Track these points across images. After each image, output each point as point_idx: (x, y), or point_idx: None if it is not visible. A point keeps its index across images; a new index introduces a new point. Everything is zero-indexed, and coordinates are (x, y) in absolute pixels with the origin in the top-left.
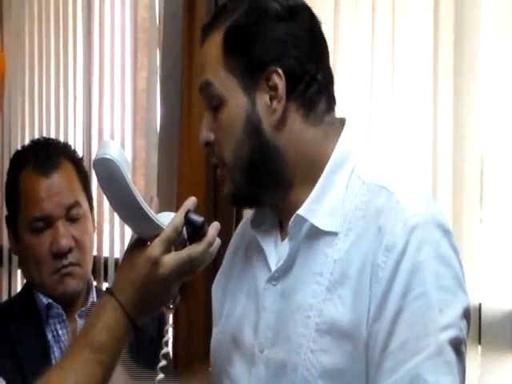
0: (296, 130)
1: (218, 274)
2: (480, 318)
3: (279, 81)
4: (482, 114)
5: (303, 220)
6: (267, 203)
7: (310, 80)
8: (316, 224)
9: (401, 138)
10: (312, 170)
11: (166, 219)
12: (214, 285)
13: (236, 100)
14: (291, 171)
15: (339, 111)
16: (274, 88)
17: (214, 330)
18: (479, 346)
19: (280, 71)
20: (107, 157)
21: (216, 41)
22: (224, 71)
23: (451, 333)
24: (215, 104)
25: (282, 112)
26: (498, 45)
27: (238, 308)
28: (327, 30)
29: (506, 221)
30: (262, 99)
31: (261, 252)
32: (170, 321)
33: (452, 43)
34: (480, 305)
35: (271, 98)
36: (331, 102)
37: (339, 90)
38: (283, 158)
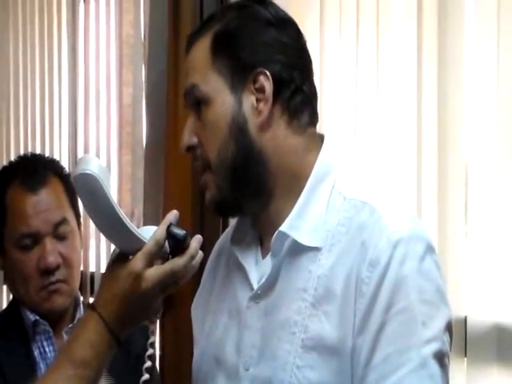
0: (280, 135)
1: (197, 293)
2: (466, 330)
3: (266, 83)
4: (467, 126)
5: (285, 236)
6: (249, 212)
7: (296, 88)
8: (299, 240)
9: (385, 151)
10: (293, 181)
11: (148, 233)
12: (193, 304)
13: (222, 99)
14: (273, 180)
15: (324, 125)
16: (261, 90)
17: (195, 350)
18: (465, 359)
19: (268, 73)
20: (87, 172)
21: (204, 44)
22: (211, 72)
23: (435, 346)
24: (200, 104)
25: (267, 114)
26: (482, 56)
27: (220, 327)
28: (312, 45)
29: (491, 234)
30: (249, 100)
31: (241, 270)
32: (155, 335)
33: (436, 56)
34: (466, 317)
35: (257, 100)
36: (314, 117)
37: (324, 104)
38: (266, 163)
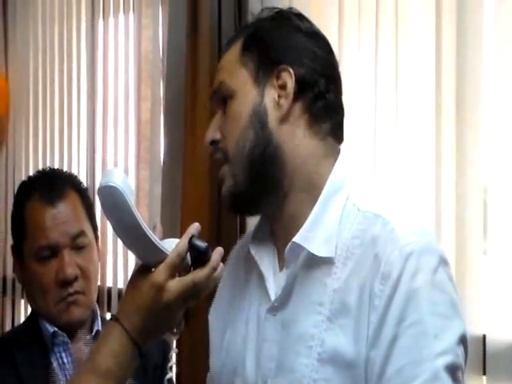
0: (298, 135)
1: (214, 302)
2: (485, 348)
3: (289, 80)
4: (485, 145)
5: (300, 248)
6: (264, 211)
7: (319, 93)
8: (312, 251)
9: (404, 169)
10: (308, 185)
11: (170, 245)
12: (210, 312)
13: (245, 91)
14: (288, 180)
15: (342, 143)
16: (284, 86)
17: (212, 360)
18: (484, 377)
19: (291, 71)
20: (111, 184)
21: (236, 46)
22: (238, 66)
23: (447, 359)
24: (225, 98)
25: (287, 109)
26: (501, 77)
27: (239, 339)
28: None
29: (510, 252)
30: (271, 94)
31: (261, 279)
32: (174, 346)
33: (454, 75)
34: (484, 336)
35: (279, 96)
36: (337, 130)
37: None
38: (282, 160)
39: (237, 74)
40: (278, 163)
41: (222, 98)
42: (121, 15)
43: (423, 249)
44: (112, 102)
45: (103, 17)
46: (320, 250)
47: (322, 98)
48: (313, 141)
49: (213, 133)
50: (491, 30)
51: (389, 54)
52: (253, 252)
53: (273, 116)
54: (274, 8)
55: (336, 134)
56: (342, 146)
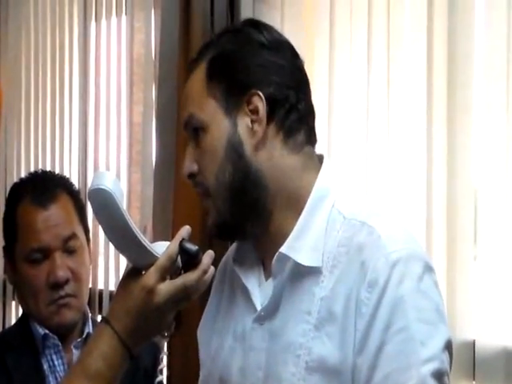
0: (275, 155)
1: (204, 313)
2: (474, 354)
3: (260, 103)
4: (476, 152)
5: (286, 258)
6: (250, 234)
7: (291, 107)
8: (299, 260)
9: (395, 175)
10: (292, 202)
11: (161, 248)
12: (199, 325)
13: (217, 123)
14: (272, 200)
15: (335, 148)
16: (255, 111)
17: (201, 372)
18: (473, 382)
19: (261, 94)
20: (102, 187)
21: (199, 73)
22: (206, 98)
23: (433, 365)
24: (198, 131)
25: (262, 134)
26: (491, 83)
27: (225, 349)
28: (322, 68)
29: (500, 258)
30: (243, 122)
31: (245, 291)
32: (165, 349)
33: (445, 82)
34: (474, 341)
35: (252, 121)
36: (311, 135)
37: (334, 128)
38: (264, 183)
39: (205, 106)
40: (259, 187)
41: (194, 129)
42: (113, 18)
43: (409, 256)
44: (104, 104)
45: (95, 19)
46: (306, 260)
47: (294, 111)
48: (291, 156)
49: (190, 165)
50: (482, 34)
51: (380, 58)
52: (236, 267)
53: (248, 144)
54: (233, 25)
55: (310, 139)
56: (334, 152)
